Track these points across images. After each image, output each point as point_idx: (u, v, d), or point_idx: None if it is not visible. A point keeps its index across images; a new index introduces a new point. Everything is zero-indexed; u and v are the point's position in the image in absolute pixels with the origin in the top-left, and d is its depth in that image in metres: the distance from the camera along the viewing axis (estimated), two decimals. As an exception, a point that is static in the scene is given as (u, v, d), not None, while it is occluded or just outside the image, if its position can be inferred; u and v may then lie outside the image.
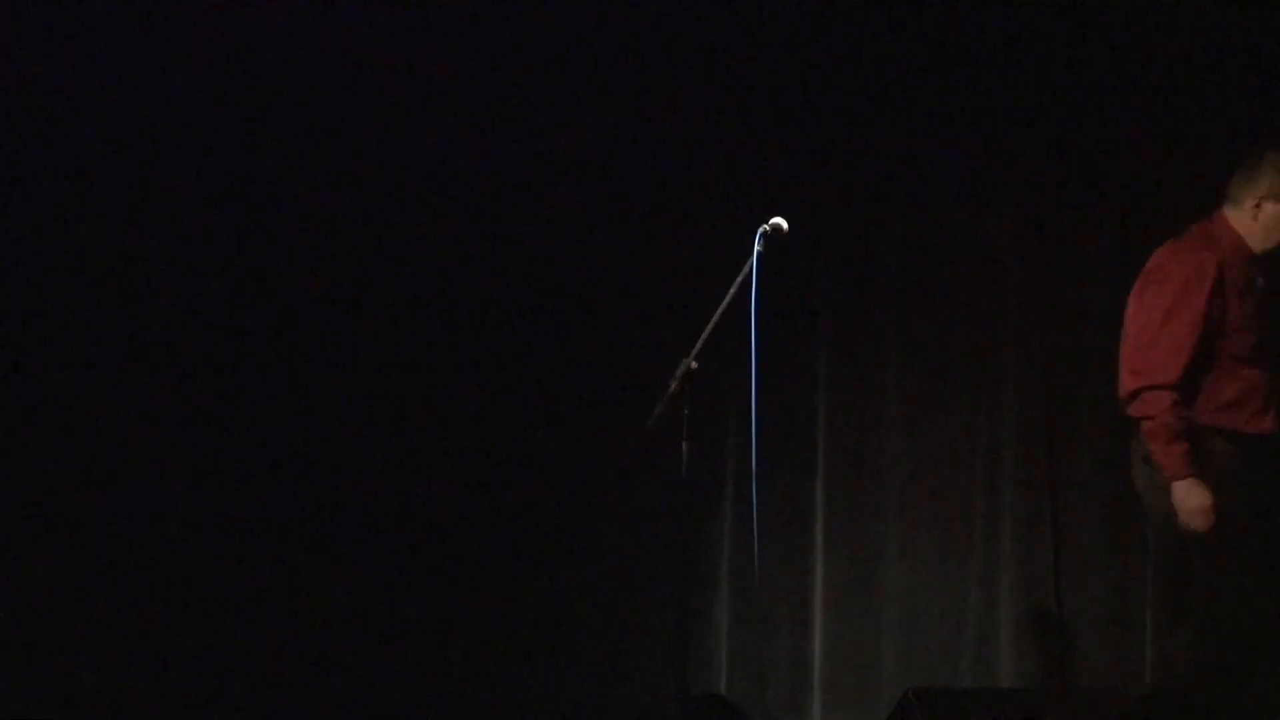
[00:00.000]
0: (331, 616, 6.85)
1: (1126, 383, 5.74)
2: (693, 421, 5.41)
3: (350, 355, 6.93)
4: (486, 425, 6.93)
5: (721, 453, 6.87)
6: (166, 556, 6.83)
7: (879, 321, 7.02)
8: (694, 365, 5.39)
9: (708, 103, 6.96)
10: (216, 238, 6.91)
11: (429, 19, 6.94)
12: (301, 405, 6.90)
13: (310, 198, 6.94)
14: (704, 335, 5.40)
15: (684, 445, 5.41)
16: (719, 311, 5.40)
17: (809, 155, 6.98)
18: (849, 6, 6.96)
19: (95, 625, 6.78)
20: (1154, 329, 5.69)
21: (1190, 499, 5.62)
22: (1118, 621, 6.87)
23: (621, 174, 6.98)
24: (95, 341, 6.84)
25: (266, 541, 6.84)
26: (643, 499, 6.82)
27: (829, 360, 7.02)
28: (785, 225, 5.37)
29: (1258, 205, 5.75)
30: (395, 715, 6.84)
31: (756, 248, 5.37)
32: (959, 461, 6.99)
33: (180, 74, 6.87)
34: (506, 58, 6.97)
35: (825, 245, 6.99)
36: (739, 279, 5.38)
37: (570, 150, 6.95)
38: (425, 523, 6.91)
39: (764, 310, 5.40)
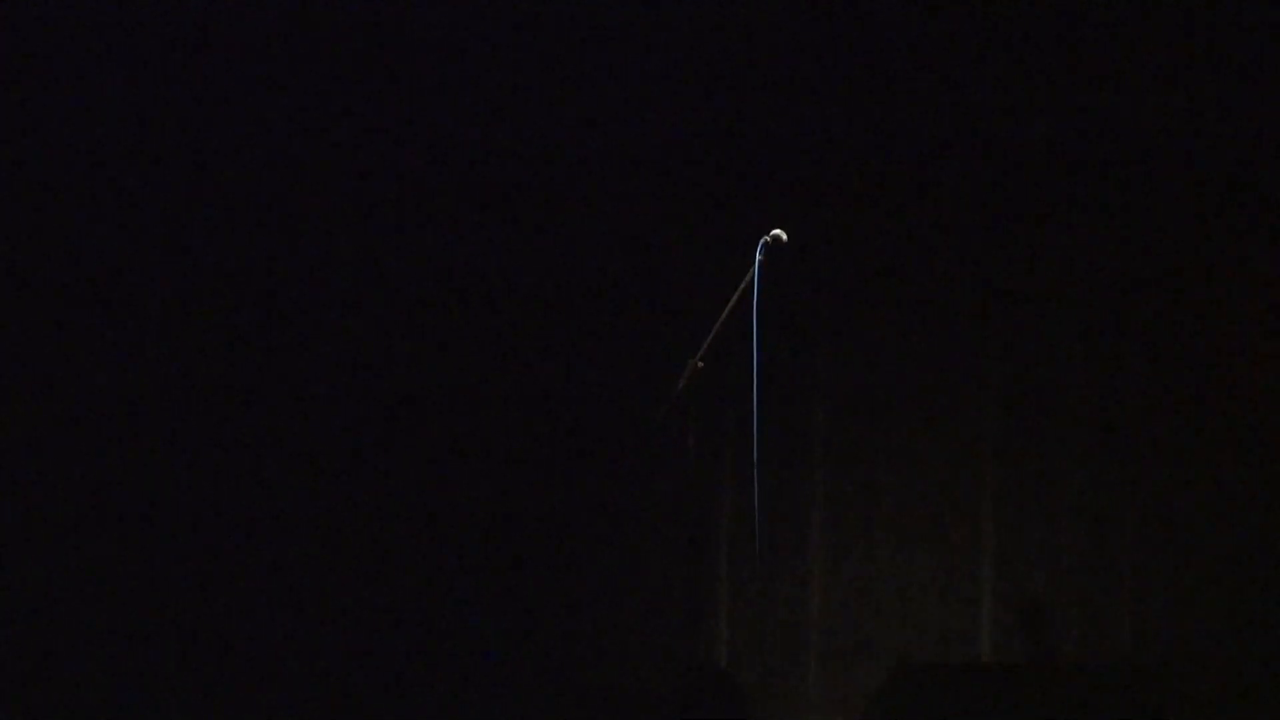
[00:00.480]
0: (355, 589, 7.02)
1: None
2: (699, 416, 5.67)
3: (389, 352, 7.08)
4: (516, 421, 7.07)
5: (725, 444, 6.96)
6: (166, 556, 6.93)
7: (872, 323, 7.16)
8: (700, 365, 5.64)
9: (719, 123, 7.11)
10: (217, 236, 6.99)
11: (438, 19, 7.01)
12: (339, 401, 7.05)
13: (317, 197, 7.02)
14: (710, 337, 5.65)
15: (690, 437, 5.66)
16: (724, 315, 5.66)
17: (808, 169, 7.12)
18: (857, 17, 7.05)
19: (95, 625, 6.88)
20: None
21: None
22: (1098, 597, 7.00)
23: (639, 191, 7.12)
24: (94, 341, 6.95)
25: (299, 530, 7.00)
26: (652, 486, 6.96)
27: (825, 358, 7.17)
28: (785, 236, 5.64)
29: None
30: (412, 689, 7.00)
31: (758, 256, 5.63)
32: (945, 448, 7.13)
33: (178, 72, 6.93)
34: (515, 62, 7.05)
35: (823, 251, 7.11)
36: (742, 284, 5.65)
37: (588, 165, 7.09)
38: (452, 507, 7.06)
39: (765, 312, 5.64)
